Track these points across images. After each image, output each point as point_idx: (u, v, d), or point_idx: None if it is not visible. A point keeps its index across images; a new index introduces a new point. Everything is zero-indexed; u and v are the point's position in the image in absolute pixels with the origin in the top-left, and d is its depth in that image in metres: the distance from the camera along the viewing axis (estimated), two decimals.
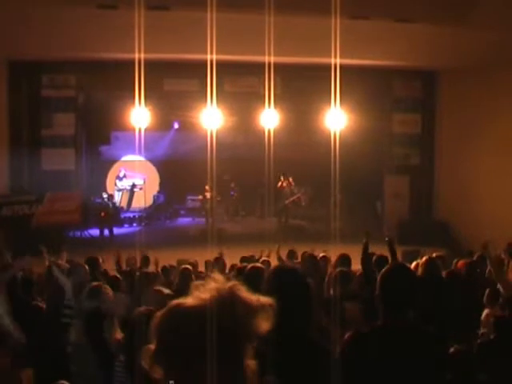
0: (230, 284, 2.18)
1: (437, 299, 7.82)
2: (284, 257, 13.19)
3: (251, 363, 2.15)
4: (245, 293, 2.16)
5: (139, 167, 26.60)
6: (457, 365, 5.46)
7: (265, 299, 2.18)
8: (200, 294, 2.14)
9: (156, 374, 2.11)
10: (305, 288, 3.77)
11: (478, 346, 6.27)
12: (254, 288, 2.26)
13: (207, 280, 2.21)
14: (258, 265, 7.03)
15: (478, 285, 9.19)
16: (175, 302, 2.16)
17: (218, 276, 2.21)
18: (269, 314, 2.16)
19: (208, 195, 24.68)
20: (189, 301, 2.13)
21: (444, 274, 9.29)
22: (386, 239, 10.96)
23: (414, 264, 10.17)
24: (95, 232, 22.78)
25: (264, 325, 2.14)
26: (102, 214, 22.66)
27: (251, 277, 6.92)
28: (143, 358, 2.13)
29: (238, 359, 2.12)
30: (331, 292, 8.08)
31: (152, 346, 2.12)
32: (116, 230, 23.67)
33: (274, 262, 12.30)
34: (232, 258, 13.66)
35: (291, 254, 13.07)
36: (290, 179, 24.88)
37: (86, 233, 22.85)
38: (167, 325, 2.11)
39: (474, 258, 11.10)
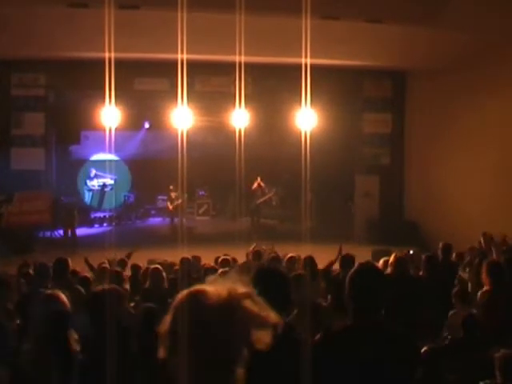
0: (242, 290, 2.20)
1: (406, 297, 7.88)
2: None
3: (240, 371, 2.17)
4: (250, 302, 2.17)
5: (110, 167, 26.47)
6: (427, 364, 5.50)
7: (272, 316, 2.20)
8: (218, 289, 2.16)
9: (161, 353, 2.16)
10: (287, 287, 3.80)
11: (447, 345, 6.32)
12: None
13: (223, 276, 2.26)
14: None
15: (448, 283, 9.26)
16: (198, 288, 2.18)
17: (233, 277, 2.24)
18: (270, 328, 2.17)
19: (173, 195, 24.70)
20: (210, 293, 2.15)
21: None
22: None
23: (381, 261, 10.25)
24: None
25: (263, 337, 2.15)
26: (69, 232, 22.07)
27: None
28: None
29: (230, 364, 2.14)
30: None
31: (166, 326, 2.16)
32: (86, 230, 23.57)
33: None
34: (205, 259, 13.67)
35: (257, 255, 12.99)
36: (259, 179, 24.90)
37: (55, 233, 22.70)
38: (188, 309, 2.13)
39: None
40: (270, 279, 3.68)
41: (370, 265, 4.47)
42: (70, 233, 21.82)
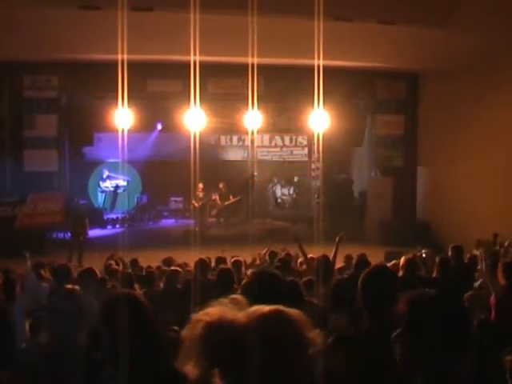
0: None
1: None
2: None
3: None
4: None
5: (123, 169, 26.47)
6: None
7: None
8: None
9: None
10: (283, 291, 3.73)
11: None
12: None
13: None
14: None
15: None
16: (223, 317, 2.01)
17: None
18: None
19: (200, 194, 24.75)
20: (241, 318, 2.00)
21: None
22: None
23: (392, 263, 10.20)
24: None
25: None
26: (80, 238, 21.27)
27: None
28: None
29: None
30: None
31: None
32: (99, 232, 23.59)
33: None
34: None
35: (272, 256, 12.94)
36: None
37: (68, 234, 22.69)
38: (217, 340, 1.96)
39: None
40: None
41: (382, 267, 4.43)
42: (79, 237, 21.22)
